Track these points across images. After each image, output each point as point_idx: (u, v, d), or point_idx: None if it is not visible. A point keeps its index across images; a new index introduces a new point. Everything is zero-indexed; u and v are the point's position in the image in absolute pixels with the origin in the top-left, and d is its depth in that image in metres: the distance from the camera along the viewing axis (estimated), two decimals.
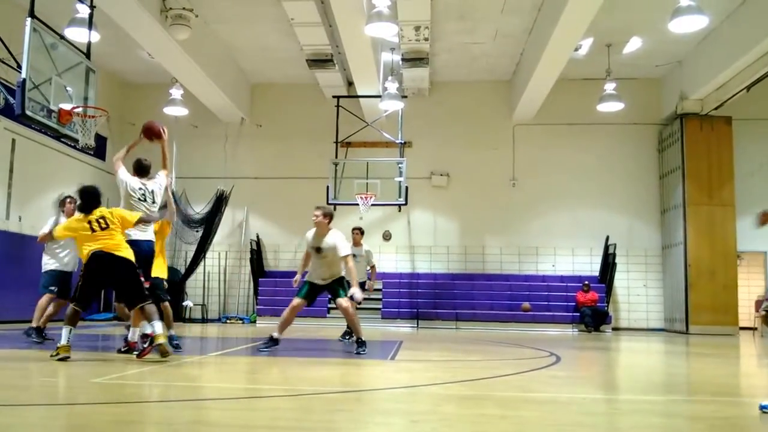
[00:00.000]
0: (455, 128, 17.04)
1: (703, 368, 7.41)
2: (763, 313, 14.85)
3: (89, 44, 7.91)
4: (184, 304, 16.27)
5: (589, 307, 14.73)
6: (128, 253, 5.82)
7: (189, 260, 16.44)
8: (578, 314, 14.84)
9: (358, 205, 14.36)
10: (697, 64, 14.49)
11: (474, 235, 16.95)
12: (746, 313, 16.11)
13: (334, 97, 15.46)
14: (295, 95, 17.35)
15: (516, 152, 16.97)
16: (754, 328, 15.56)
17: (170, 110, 15.61)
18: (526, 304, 15.28)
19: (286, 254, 17.16)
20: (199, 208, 16.51)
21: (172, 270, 15.89)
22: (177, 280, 15.57)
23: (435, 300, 15.80)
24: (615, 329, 15.34)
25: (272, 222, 17.35)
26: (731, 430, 3.47)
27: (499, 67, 16.16)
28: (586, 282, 15.31)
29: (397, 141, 14.83)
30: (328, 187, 14.39)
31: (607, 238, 15.98)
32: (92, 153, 14.81)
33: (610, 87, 14.59)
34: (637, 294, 16.43)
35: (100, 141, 15.33)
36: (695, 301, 15.02)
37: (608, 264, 15.81)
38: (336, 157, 14.79)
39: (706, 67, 13.98)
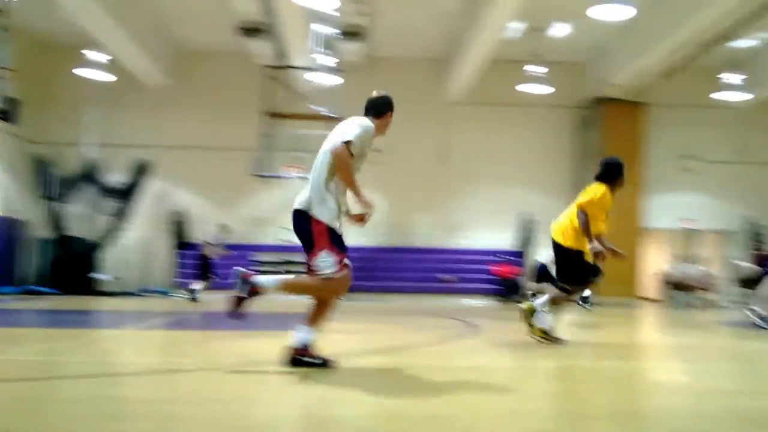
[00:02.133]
0: None
1: (605, 332, 7.87)
2: (667, 284, 15.63)
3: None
4: (99, 276, 15.29)
5: (506, 279, 15.02)
6: None
7: (106, 231, 15.53)
8: (498, 286, 15.12)
9: (285, 177, 14.06)
10: (619, 51, 14.91)
11: (403, 210, 16.96)
12: (648, 285, 16.94)
13: (265, 67, 15.01)
14: (224, 63, 16.74)
15: (447, 130, 17.06)
16: (654, 298, 16.35)
17: (88, 73, 14.68)
18: (444, 276, 15.48)
19: (210, 226, 16.64)
20: (118, 178, 15.59)
21: (80, 241, 15.10)
22: (86, 251, 14.83)
23: (363, 273, 15.74)
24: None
25: (196, 193, 16.79)
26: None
27: (435, 45, 16.14)
28: (503, 255, 15.59)
29: (331, 115, 14.52)
30: (253, 158, 14.01)
31: (526, 214, 16.31)
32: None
33: (537, 70, 14.75)
34: (552, 267, 16.88)
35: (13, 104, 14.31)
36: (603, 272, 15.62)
37: (527, 238, 16.15)
38: (264, 128, 14.37)
39: (627, 55, 14.41)
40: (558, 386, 3.98)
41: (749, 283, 15.77)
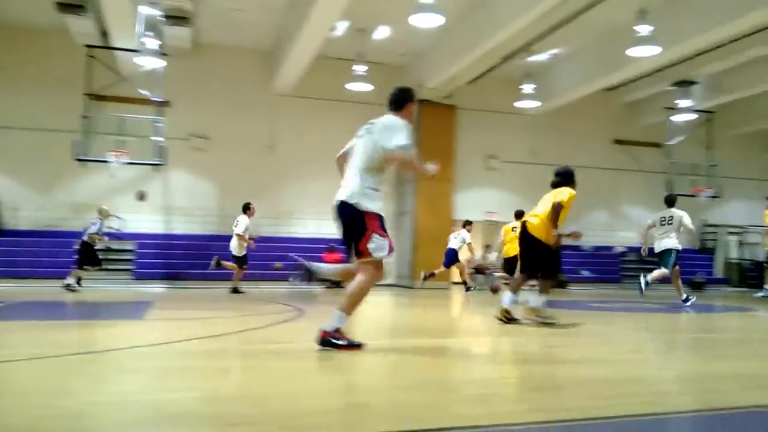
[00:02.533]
0: (217, 92, 16.77)
1: (423, 315, 8.58)
2: (472, 270, 17.35)
3: None
4: None
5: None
6: None
7: None
8: None
9: (109, 162, 13.67)
10: (433, 57, 16.06)
11: (233, 197, 17.02)
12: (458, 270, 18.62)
13: (86, 46, 14.35)
14: (41, 41, 15.53)
15: (275, 121, 17.31)
16: (464, 282, 18.02)
17: None
18: (278, 264, 15.90)
19: (26, 212, 15.66)
20: None
21: None
22: None
23: (191, 261, 15.69)
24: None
25: (10, 177, 15.64)
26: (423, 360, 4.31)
27: (262, 36, 16.23)
28: (332, 244, 16.33)
29: (156, 99, 14.27)
30: (74, 141, 13.45)
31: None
32: None
33: (360, 69, 15.55)
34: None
35: None
36: (420, 260, 17.01)
37: None
38: (86, 110, 13.82)
39: (440, 61, 15.58)
40: (376, 362, 4.20)
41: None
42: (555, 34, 14.09)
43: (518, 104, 17.00)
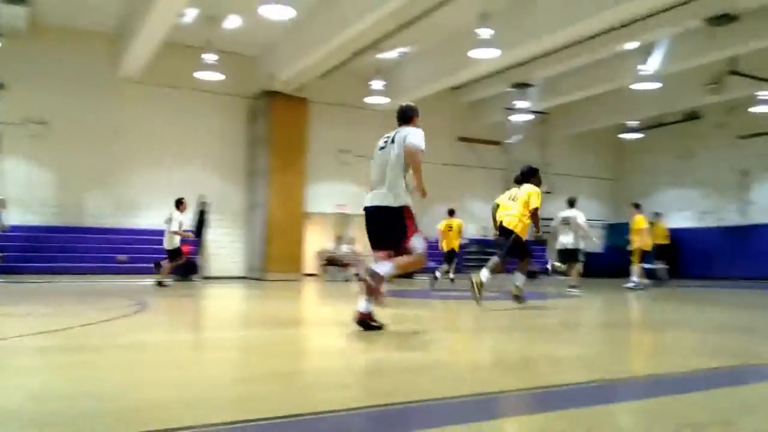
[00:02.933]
0: (57, 75, 15.59)
1: (275, 306, 8.48)
2: (324, 261, 17.46)
3: None
4: None
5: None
6: None
7: None
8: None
9: None
10: (284, 49, 15.89)
11: (74, 187, 15.89)
12: (311, 262, 18.70)
13: None
14: None
15: (121, 108, 16.34)
16: (315, 274, 18.16)
17: None
18: (121, 257, 15.08)
19: None
20: None
21: None
22: None
23: (28, 253, 14.47)
24: (206, 278, 16.12)
25: None
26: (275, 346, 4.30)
27: (106, 19, 15.29)
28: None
29: None
30: None
31: (202, 197, 16.64)
32: None
33: (210, 57, 15.02)
34: (224, 247, 17.55)
35: None
36: (271, 253, 16.83)
37: (203, 220, 16.44)
38: None
39: (291, 53, 15.45)
40: (221, 354, 4.21)
41: None
42: (403, 33, 14.42)
43: (368, 100, 17.27)
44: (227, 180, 17.77)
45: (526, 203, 7.87)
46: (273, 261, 16.78)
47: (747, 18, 13.19)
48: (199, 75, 15.26)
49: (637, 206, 13.90)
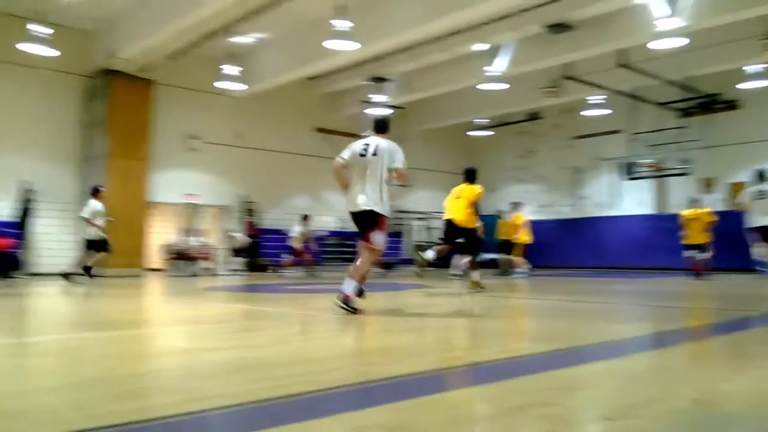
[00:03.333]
0: None
1: (111, 304, 7.89)
2: (170, 255, 16.63)
3: None
4: None
5: (2, 253, 13.81)
6: None
7: None
8: None
9: None
10: (128, 25, 14.87)
11: None
12: (155, 256, 17.76)
13: None
14: None
15: None
16: (160, 269, 17.26)
17: None
18: None
19: None
20: None
21: None
22: None
23: None
24: (32, 275, 14.75)
25: None
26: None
27: None
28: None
29: None
30: None
31: (27, 183, 15.17)
32: None
33: (39, 29, 13.63)
34: (56, 239, 16.12)
35: None
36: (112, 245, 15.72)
37: (27, 209, 15.02)
38: None
39: (136, 30, 14.48)
40: (37, 361, 3.90)
41: (242, 252, 18.03)
42: (258, 18, 14.01)
43: (221, 85, 16.60)
44: (58, 166, 16.28)
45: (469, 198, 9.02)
46: (113, 254, 15.69)
47: (580, 27, 14.17)
48: (24, 48, 13.58)
49: (516, 205, 15.94)
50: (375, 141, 6.11)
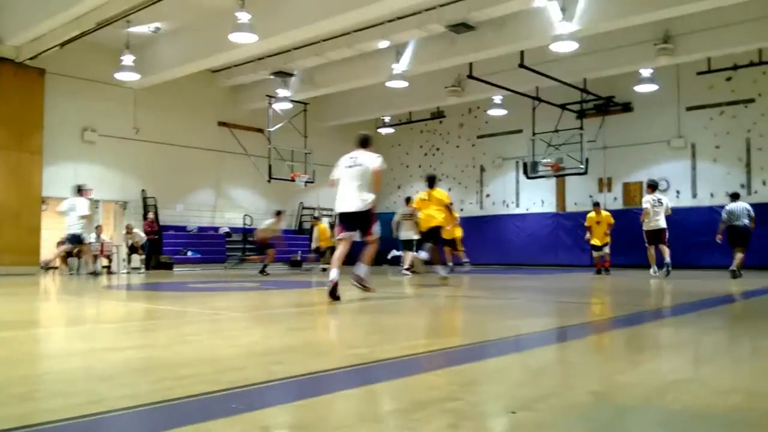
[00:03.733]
0: None
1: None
2: (63, 253, 15.73)
3: None
4: None
5: None
6: None
7: None
8: None
9: None
10: (15, 11, 14.01)
11: None
12: (50, 254, 16.78)
13: None
14: None
15: None
16: (55, 267, 16.31)
17: None
18: None
19: None
20: None
21: None
22: None
23: None
24: None
25: None
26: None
27: None
28: None
29: None
30: None
31: None
32: None
33: None
34: None
35: None
36: (3, 242, 14.83)
37: None
38: None
39: (24, 17, 13.67)
40: None
41: (141, 249, 17.32)
42: (157, 7, 13.46)
43: (119, 76, 15.88)
44: None
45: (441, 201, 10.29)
46: (2, 252, 14.76)
47: (482, 28, 14.54)
48: None
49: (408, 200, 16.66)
50: (359, 154, 7.28)
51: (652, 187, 12.96)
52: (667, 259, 12.24)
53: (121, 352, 3.74)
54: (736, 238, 12.56)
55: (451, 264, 15.35)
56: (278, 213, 16.24)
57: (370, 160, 7.18)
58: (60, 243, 16.33)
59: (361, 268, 7.16)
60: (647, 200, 12.77)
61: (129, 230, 16.57)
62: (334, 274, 6.69)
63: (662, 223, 12.48)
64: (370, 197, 7.08)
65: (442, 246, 11.04)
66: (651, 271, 12.65)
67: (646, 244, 12.71)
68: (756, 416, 2.22)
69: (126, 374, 3.03)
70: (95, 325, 5.33)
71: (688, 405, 2.35)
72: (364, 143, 7.42)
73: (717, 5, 12.25)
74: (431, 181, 10.88)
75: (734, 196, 13.08)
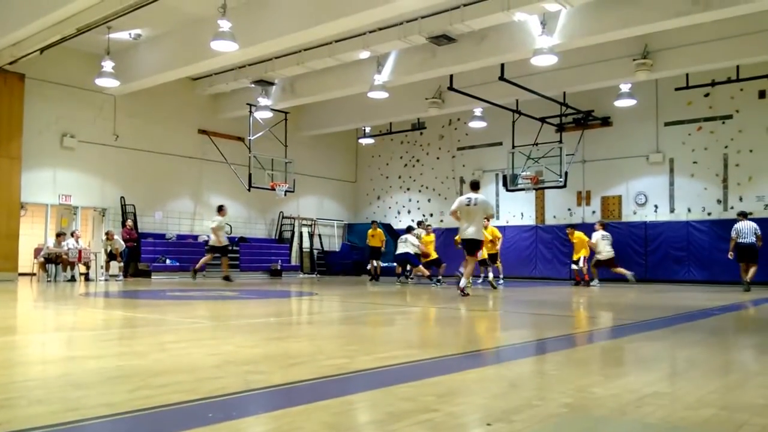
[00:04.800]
0: None
1: None
2: (42, 260, 15.55)
3: None
4: None
5: None
6: None
7: None
8: None
9: None
10: None
11: None
12: (27, 260, 16.60)
13: None
14: None
15: None
16: (33, 274, 16.14)
17: None
18: None
19: None
20: None
21: None
22: None
23: None
24: None
25: None
26: None
27: None
28: None
29: None
30: None
31: None
32: None
33: None
34: None
35: None
36: None
37: None
38: None
39: (4, 21, 13.49)
40: None
41: (120, 256, 17.11)
42: (138, 14, 13.35)
43: (99, 82, 15.73)
44: None
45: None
46: None
47: (463, 40, 14.65)
48: None
49: (419, 223, 18.33)
50: (474, 195, 10.17)
51: (603, 224, 16.50)
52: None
53: (99, 360, 3.72)
54: (742, 254, 13.82)
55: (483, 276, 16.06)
56: (220, 208, 15.68)
57: (483, 202, 10.18)
58: (37, 250, 16.12)
59: (464, 280, 9.95)
60: (597, 236, 16.02)
61: (110, 236, 16.38)
62: (464, 281, 10.03)
63: (611, 253, 15.97)
64: (480, 230, 10.20)
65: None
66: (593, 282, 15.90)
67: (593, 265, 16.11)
68: (729, 429, 2.27)
69: (104, 382, 3.01)
70: (73, 332, 5.28)
71: (662, 417, 2.39)
72: (476, 187, 10.37)
73: (695, 22, 12.48)
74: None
75: (743, 215, 14.34)
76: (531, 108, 18.82)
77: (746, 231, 13.78)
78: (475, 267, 10.96)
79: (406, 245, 16.11)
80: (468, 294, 9.86)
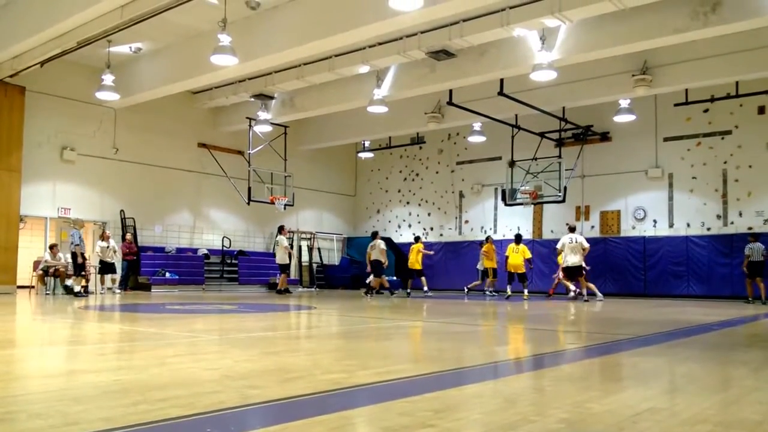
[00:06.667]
0: None
1: None
2: (40, 272, 15.52)
3: None
4: None
5: None
6: None
7: None
8: None
9: None
10: None
11: None
12: (26, 273, 16.60)
13: None
14: None
15: None
16: (32, 287, 16.12)
17: None
18: None
19: None
20: None
21: None
22: None
23: None
24: None
25: None
26: None
27: None
28: None
29: None
30: None
31: None
32: None
33: None
34: None
35: None
36: None
37: None
38: None
39: (5, 34, 13.59)
40: None
41: (113, 269, 17.02)
42: (139, 28, 13.44)
43: (99, 95, 15.81)
44: None
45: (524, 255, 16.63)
46: None
47: (462, 55, 14.75)
48: None
49: (417, 239, 19.26)
50: (574, 236, 15.04)
51: (571, 228, 16.32)
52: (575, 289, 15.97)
53: (97, 375, 3.73)
54: (752, 271, 15.69)
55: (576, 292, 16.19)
56: (281, 229, 17.50)
57: (581, 241, 15.04)
58: (36, 263, 16.10)
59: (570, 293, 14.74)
60: (564, 240, 15.59)
61: (105, 237, 16.26)
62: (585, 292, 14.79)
63: (578, 261, 15.30)
64: (581, 260, 14.78)
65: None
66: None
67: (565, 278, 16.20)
68: None
69: (102, 397, 3.03)
70: (72, 346, 5.29)
71: None
72: (573, 230, 15.40)
73: (694, 38, 12.57)
74: (519, 239, 17.29)
75: (754, 237, 15.99)
76: (530, 123, 18.90)
77: (756, 250, 15.65)
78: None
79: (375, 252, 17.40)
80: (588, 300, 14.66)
